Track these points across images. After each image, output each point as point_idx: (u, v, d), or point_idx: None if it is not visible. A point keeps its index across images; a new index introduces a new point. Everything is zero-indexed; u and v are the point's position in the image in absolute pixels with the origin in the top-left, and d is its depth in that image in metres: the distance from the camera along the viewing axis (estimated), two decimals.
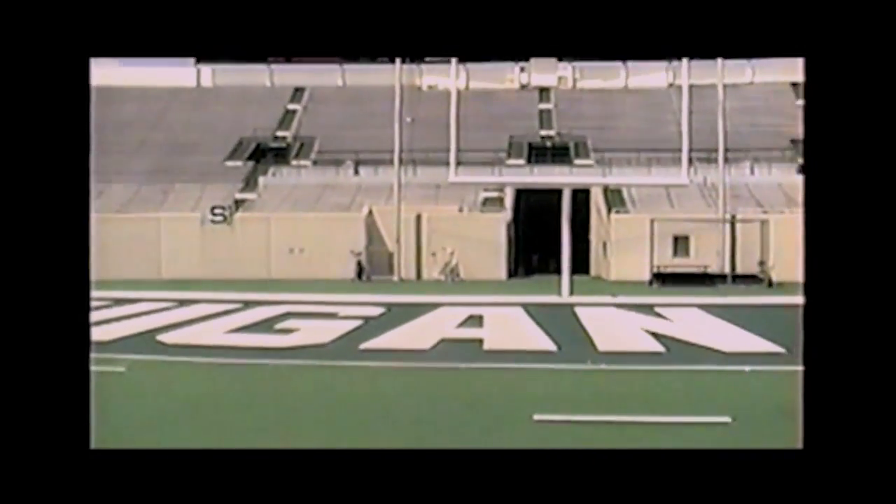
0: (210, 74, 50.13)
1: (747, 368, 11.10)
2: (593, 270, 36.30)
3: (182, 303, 19.56)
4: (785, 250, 31.14)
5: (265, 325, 15.86)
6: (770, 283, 29.74)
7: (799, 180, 38.07)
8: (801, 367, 3.92)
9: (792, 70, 46.89)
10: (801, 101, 45.16)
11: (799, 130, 42.66)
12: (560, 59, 47.89)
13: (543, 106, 46.77)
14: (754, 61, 47.12)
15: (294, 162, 42.30)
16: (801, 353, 4.11)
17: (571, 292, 23.68)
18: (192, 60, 49.21)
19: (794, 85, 46.42)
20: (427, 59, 42.74)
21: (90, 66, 4.20)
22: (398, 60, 36.33)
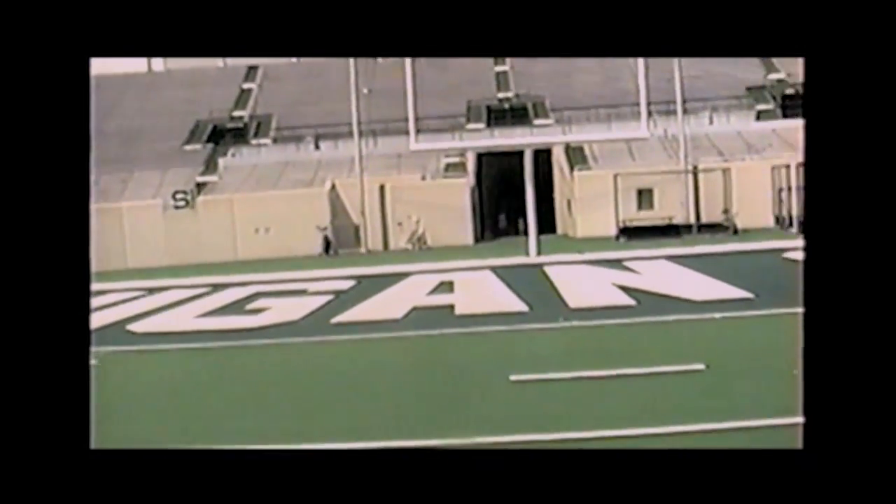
0: (161, 58, 49.53)
1: (718, 315, 11.21)
2: (560, 229, 36.55)
3: (150, 291, 19.42)
4: (748, 197, 31.50)
5: (236, 307, 15.78)
6: (735, 231, 30.04)
7: (757, 127, 38.41)
8: (799, 372, 3.86)
9: None
10: None
11: (755, 77, 43.00)
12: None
13: (499, 68, 46.63)
14: None
15: (253, 141, 42.01)
16: (800, 355, 3.97)
17: (539, 252, 23.75)
18: None
19: None
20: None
21: (90, 66, 4.18)
22: None
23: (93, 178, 38.11)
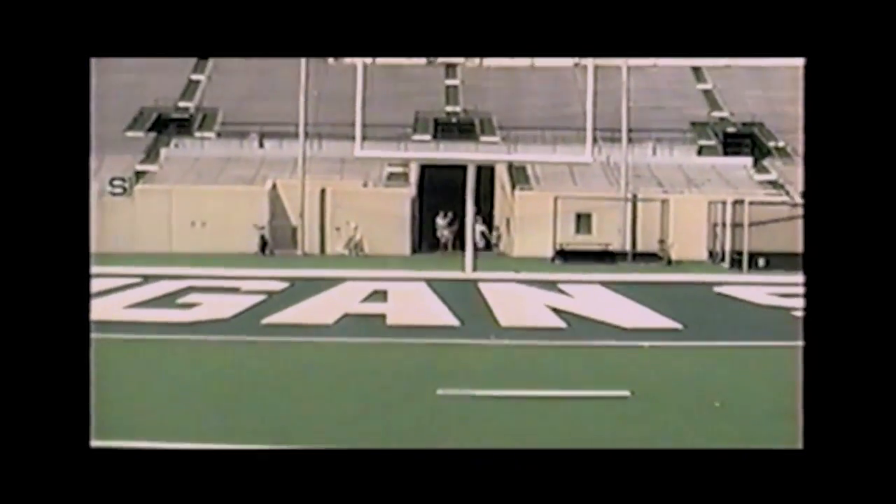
0: None
1: (646, 344, 11.36)
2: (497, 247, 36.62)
3: None
4: (684, 229, 31.99)
5: (166, 300, 15.60)
6: (669, 261, 30.44)
7: (698, 162, 39.07)
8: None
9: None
10: (701, 86, 46.29)
11: (699, 112, 43.68)
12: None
13: (450, 82, 46.82)
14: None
15: (197, 133, 41.47)
16: (801, 356, 4.06)
17: (475, 268, 23.66)
18: None
19: (696, 69, 47.42)
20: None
21: (90, 66, 4.24)
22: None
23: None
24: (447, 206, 33.83)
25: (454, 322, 13.40)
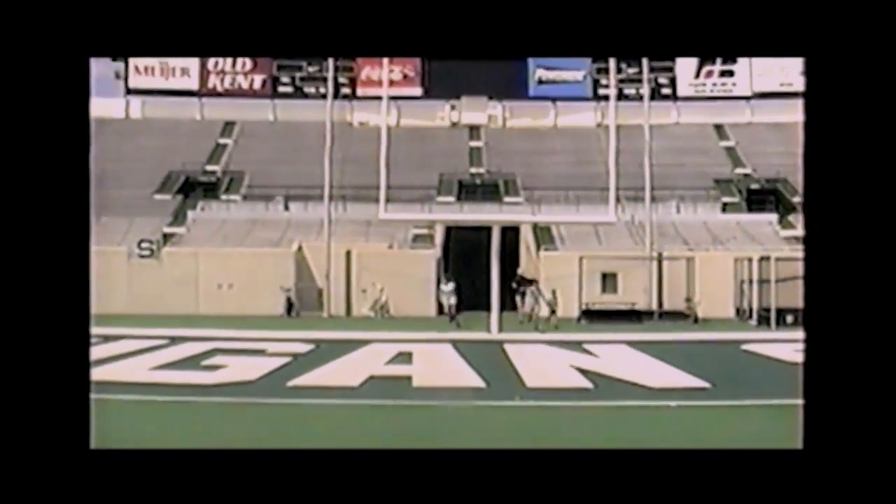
0: (139, 106, 49.54)
1: (673, 404, 11.26)
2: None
3: (107, 338, 19.16)
4: (710, 287, 31.75)
5: (192, 362, 15.60)
6: (696, 320, 30.20)
7: (723, 218, 38.98)
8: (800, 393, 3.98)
9: (716, 112, 48.13)
10: (723, 143, 46.39)
11: (722, 170, 43.69)
12: (490, 98, 48.48)
13: (474, 143, 47.16)
14: (679, 103, 48.25)
15: (224, 196, 41.83)
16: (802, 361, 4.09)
17: (500, 329, 23.44)
18: (121, 90, 48.65)
19: (718, 127, 47.56)
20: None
21: (90, 66, 4.27)
22: (330, 98, 36.40)
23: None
24: (472, 268, 33.75)
25: (480, 383, 13.35)
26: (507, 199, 41.09)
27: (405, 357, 16.72)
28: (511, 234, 33.22)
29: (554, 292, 28.22)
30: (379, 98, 32.13)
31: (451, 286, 30.45)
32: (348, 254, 34.61)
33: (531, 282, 29.35)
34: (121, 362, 15.37)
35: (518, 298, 29.79)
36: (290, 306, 33.36)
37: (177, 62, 48.49)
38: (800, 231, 37.65)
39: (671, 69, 47.62)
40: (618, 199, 25.13)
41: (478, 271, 31.72)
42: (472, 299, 30.90)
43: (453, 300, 30.21)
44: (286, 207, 39.44)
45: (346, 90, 47.11)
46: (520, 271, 31.25)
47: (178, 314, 30.09)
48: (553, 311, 27.42)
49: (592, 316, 30.52)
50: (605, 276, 33.71)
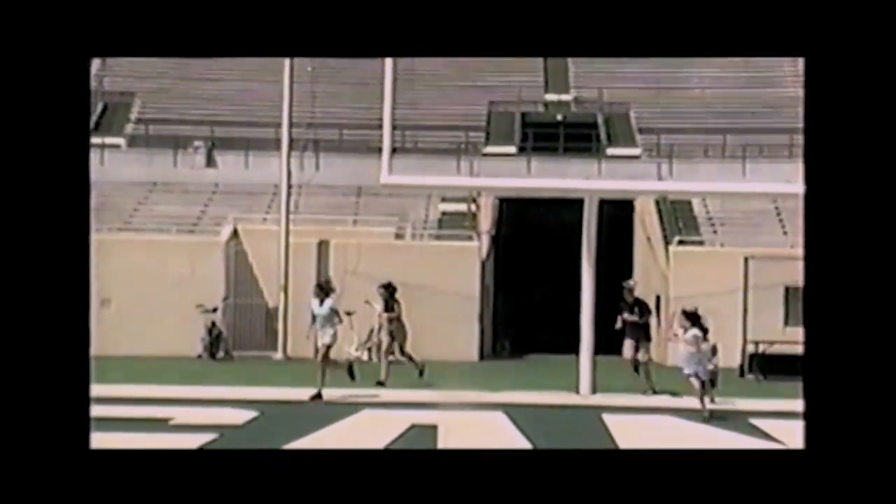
0: None
1: None
2: None
3: None
4: None
5: None
6: None
7: None
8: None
9: None
10: None
11: None
12: None
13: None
14: None
15: (96, 138, 32.32)
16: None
17: (595, 387, 16.41)
18: None
19: None
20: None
21: (90, 67, 5.22)
22: None
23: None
24: (539, 274, 25.25)
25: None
26: (611, 149, 28.95)
27: (424, 433, 11.25)
28: (618, 213, 23.34)
29: (714, 347, 16.26)
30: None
31: (325, 307, 15.36)
32: (323, 245, 23.55)
33: (648, 310, 19.10)
34: None
35: (629, 333, 18.75)
36: (214, 340, 23.33)
37: None
38: None
39: None
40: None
41: (550, 279, 23.58)
42: (536, 329, 23.41)
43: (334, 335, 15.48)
44: (209, 161, 28.22)
45: None
46: (632, 283, 19.72)
47: None
48: (714, 378, 15.58)
49: (767, 364, 21.05)
50: (788, 292, 22.60)
